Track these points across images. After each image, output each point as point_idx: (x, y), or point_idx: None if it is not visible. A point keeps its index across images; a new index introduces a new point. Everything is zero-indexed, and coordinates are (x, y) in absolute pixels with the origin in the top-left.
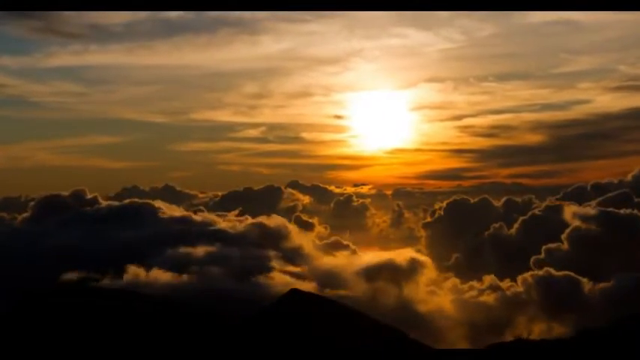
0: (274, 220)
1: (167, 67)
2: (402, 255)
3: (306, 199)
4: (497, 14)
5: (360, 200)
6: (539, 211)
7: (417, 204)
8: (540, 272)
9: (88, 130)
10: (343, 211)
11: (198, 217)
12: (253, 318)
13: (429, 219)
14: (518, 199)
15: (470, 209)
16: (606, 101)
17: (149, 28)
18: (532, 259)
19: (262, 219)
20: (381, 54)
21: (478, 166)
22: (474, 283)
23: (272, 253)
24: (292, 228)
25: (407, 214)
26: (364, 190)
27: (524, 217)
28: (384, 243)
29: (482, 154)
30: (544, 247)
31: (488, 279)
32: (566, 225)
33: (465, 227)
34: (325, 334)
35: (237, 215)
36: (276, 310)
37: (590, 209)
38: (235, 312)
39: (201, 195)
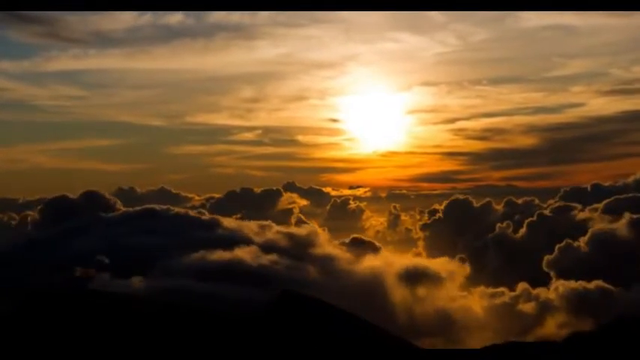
0: (306, 228)
1: (165, 71)
2: (437, 262)
3: (302, 202)
4: (492, 19)
5: (357, 203)
6: (549, 211)
7: (413, 206)
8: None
9: (86, 133)
10: (340, 213)
11: (225, 222)
12: (246, 320)
13: (426, 220)
14: (519, 201)
15: (470, 210)
16: (599, 104)
17: (149, 34)
18: (545, 261)
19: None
20: (377, 58)
21: (471, 168)
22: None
23: (305, 260)
24: (323, 235)
25: (403, 217)
26: (360, 192)
27: (532, 219)
28: (382, 245)
29: (475, 157)
30: (558, 248)
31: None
32: (574, 226)
33: (465, 228)
34: (317, 335)
35: (239, 218)
36: (269, 312)
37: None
38: (231, 314)
39: (197, 197)
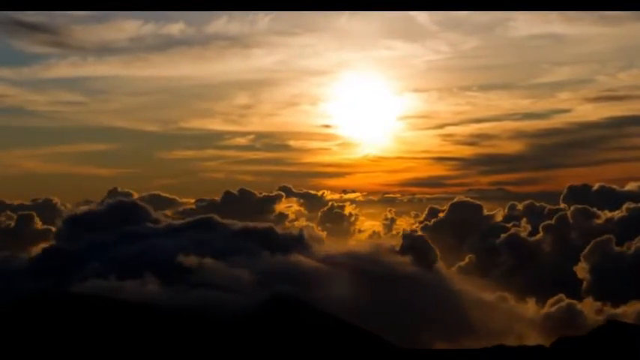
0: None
1: (162, 78)
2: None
3: (297, 206)
4: (482, 28)
5: (351, 206)
6: (570, 214)
7: (407, 210)
8: None
9: (80, 138)
10: (335, 217)
11: (280, 231)
12: (235, 324)
13: (427, 222)
14: (519, 205)
15: (473, 212)
16: (585, 110)
17: (148, 42)
18: (577, 267)
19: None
20: (369, 65)
21: (460, 173)
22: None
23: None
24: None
25: (398, 220)
26: (353, 196)
27: (549, 222)
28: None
29: (464, 162)
30: (592, 253)
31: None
32: (599, 230)
33: (468, 230)
34: (306, 339)
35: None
36: (259, 315)
37: None
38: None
39: (192, 201)
